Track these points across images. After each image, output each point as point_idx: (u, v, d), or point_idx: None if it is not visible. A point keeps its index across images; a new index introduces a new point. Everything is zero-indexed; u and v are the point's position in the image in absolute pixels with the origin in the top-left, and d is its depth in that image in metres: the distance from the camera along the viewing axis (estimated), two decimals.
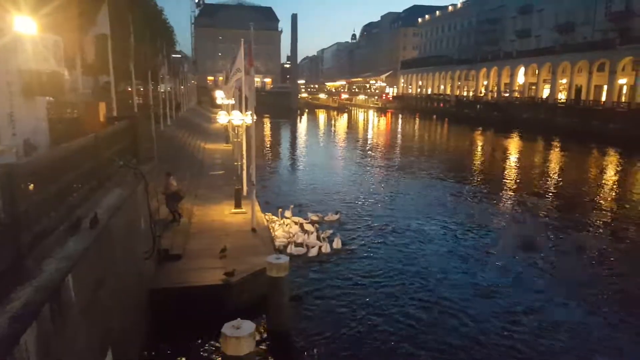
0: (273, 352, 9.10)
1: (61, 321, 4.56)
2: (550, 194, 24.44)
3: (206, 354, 8.78)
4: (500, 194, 24.38)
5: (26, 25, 7.59)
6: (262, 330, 9.58)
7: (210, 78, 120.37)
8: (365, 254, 14.55)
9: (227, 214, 15.59)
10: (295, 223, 16.46)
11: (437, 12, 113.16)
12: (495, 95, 76.02)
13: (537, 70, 67.10)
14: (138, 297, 8.66)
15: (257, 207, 15.07)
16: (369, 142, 48.69)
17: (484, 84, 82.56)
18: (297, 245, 14.45)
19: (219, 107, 46.61)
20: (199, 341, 9.09)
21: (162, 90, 35.47)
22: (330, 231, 15.80)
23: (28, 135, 8.08)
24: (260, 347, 8.92)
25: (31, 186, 4.62)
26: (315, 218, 17.57)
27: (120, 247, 7.35)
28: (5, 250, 3.96)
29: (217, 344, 8.80)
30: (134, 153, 9.78)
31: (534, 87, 68.60)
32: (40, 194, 4.80)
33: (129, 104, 24.81)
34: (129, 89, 34.28)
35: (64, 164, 5.63)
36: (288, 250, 14.01)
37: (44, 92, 8.37)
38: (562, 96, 62.39)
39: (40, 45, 8.04)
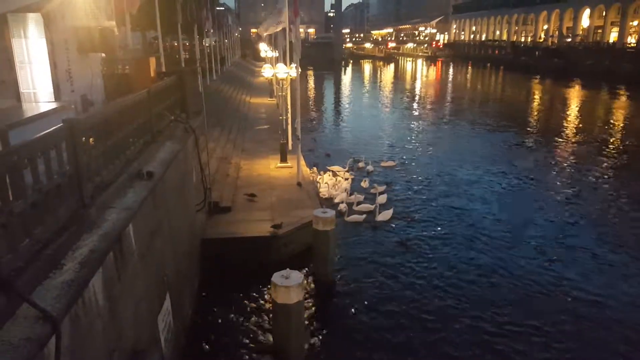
0: (319, 301, 9.43)
1: (123, 267, 4.91)
2: (611, 147, 22.96)
3: (256, 301, 9.23)
4: (559, 146, 23.16)
5: None
6: (309, 281, 9.91)
7: (254, 30, 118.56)
8: (416, 213, 14.24)
9: (272, 168, 15.84)
10: (345, 178, 16.52)
11: None
12: (556, 41, 70.59)
13: (604, 12, 61.45)
14: (191, 246, 9.14)
15: (303, 162, 15.18)
16: (417, 94, 47.22)
17: (543, 28, 76.79)
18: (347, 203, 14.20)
19: (263, 60, 46.39)
20: (249, 289, 9.54)
21: (206, 45, 35.58)
22: (384, 186, 15.76)
23: (85, 91, 8.43)
24: (307, 296, 9.26)
25: (91, 140, 4.86)
26: (370, 168, 18.22)
27: (173, 198, 7.69)
28: (71, 200, 4.23)
29: (266, 292, 9.24)
30: (183, 108, 10.00)
31: (599, 31, 63.23)
32: (99, 147, 5.04)
33: (175, 59, 25.17)
34: (175, 44, 34.64)
35: (120, 119, 5.84)
36: (339, 206, 13.92)
37: (96, 48, 8.62)
38: (632, 40, 57.00)
39: (92, 2, 8.19)
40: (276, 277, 7.29)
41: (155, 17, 15.42)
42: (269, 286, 8.15)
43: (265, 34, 17.93)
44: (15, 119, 6.97)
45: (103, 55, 9.47)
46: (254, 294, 9.43)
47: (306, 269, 10.11)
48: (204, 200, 10.30)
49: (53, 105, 8.11)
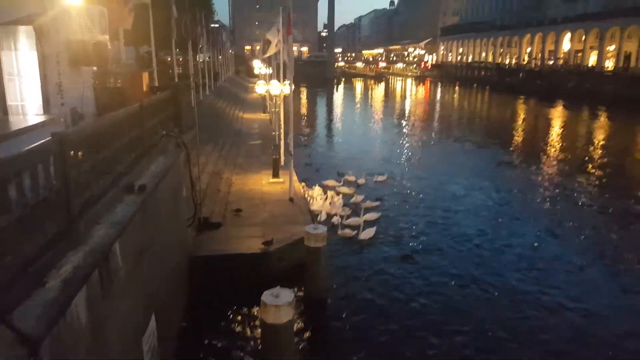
0: (310, 320, 9.25)
1: (108, 285, 4.75)
2: (593, 164, 23.44)
3: (245, 321, 9.02)
4: (543, 163, 23.51)
5: None
6: (300, 299, 9.74)
7: (248, 47, 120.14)
8: (406, 228, 14.33)
9: (265, 183, 15.74)
10: (337, 193, 16.52)
11: None
12: (539, 63, 72.28)
13: (583, 37, 63.47)
14: (180, 264, 8.94)
15: (295, 177, 15.11)
16: (407, 112, 47.76)
17: (527, 51, 78.58)
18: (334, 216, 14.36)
19: (256, 76, 46.58)
20: (239, 308, 9.34)
21: (200, 60, 35.67)
22: (376, 202, 15.84)
23: (75, 104, 8.31)
24: (298, 315, 9.09)
25: (80, 154, 4.75)
26: (362, 181, 18.44)
27: (163, 214, 7.54)
28: (58, 215, 4.10)
29: (256, 312, 9.03)
30: (176, 122, 9.92)
31: (579, 55, 65.00)
32: (89, 161, 4.93)
33: (168, 74, 25.14)
34: (168, 59, 34.69)
35: (111, 133, 5.74)
36: (332, 218, 13.98)
37: (89, 62, 8.54)
38: (609, 64, 58.74)
39: (86, 17, 8.15)
40: (266, 296, 7.12)
41: (150, 32, 15.44)
42: (259, 305, 7.97)
43: (266, 56, 18.14)
44: (1, 132, 6.83)
45: (95, 68, 9.40)
46: (244, 313, 9.22)
47: (297, 286, 9.95)
48: (193, 216, 10.15)
49: (42, 118, 7.97)
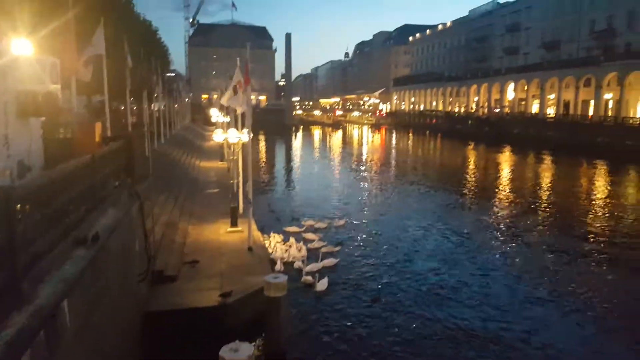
0: None
1: (55, 347, 4.45)
2: (540, 204, 24.80)
3: None
4: (493, 205, 24.59)
5: (23, 47, 7.61)
6: (260, 352, 9.41)
7: (205, 96, 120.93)
8: (364, 269, 14.52)
9: (222, 232, 15.46)
10: (297, 240, 16.44)
11: (428, 31, 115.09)
12: (486, 111, 76.77)
13: (526, 86, 68.20)
14: (132, 321, 8.49)
15: (254, 226, 14.96)
16: (364, 158, 48.97)
17: (474, 100, 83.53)
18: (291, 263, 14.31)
19: (213, 124, 46.65)
20: None
21: (155, 109, 35.53)
22: (337, 248, 15.97)
23: (22, 157, 8.01)
24: None
25: (27, 207, 4.57)
26: (322, 225, 18.64)
27: (115, 268, 7.24)
28: (2, 273, 3.88)
29: None
30: (129, 172, 9.71)
31: (523, 103, 69.59)
32: (36, 215, 4.73)
33: (122, 123, 24.79)
34: (122, 108, 34.36)
35: (60, 185, 5.56)
36: (294, 264, 13.98)
37: (39, 112, 8.33)
38: (551, 111, 63.30)
39: (37, 67, 8.05)
40: (224, 351, 6.88)
41: (103, 82, 15.35)
42: None
43: (225, 104, 18.37)
44: None
45: (43, 119, 9.17)
46: None
47: (257, 338, 9.64)
48: (147, 270, 9.76)
49: None
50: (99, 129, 10.08)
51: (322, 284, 12.85)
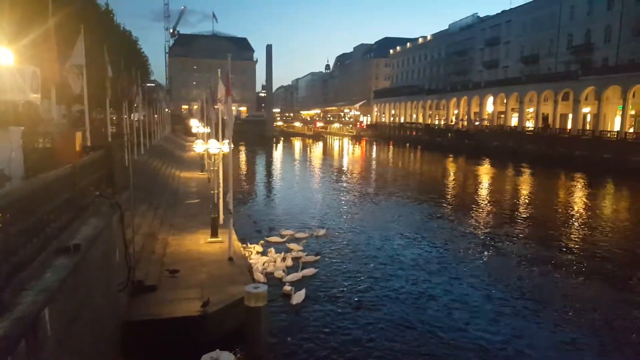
0: None
1: (37, 355, 4.46)
2: (518, 216, 25.30)
3: None
4: (472, 216, 24.98)
5: (4, 56, 7.62)
6: None
7: (185, 106, 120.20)
8: (344, 278, 14.69)
9: (202, 243, 15.42)
10: (278, 251, 16.50)
11: (408, 44, 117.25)
12: (466, 124, 78.21)
13: (505, 100, 69.65)
14: (112, 330, 8.43)
15: (234, 236, 14.98)
16: (344, 170, 49.29)
17: (454, 112, 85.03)
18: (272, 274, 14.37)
19: (194, 135, 46.40)
20: None
21: (135, 119, 35.20)
22: (316, 257, 16.20)
23: (2, 166, 7.95)
24: None
25: (7, 216, 4.59)
26: (302, 235, 18.82)
27: (96, 278, 7.22)
28: None
29: None
30: (109, 182, 9.69)
31: (502, 116, 71.13)
32: (17, 225, 4.75)
33: (102, 133, 24.53)
34: (102, 117, 33.96)
35: (41, 195, 5.59)
36: (275, 273, 14.12)
37: (19, 122, 8.31)
38: (529, 124, 64.76)
39: (17, 76, 8.04)
40: None
41: (83, 91, 15.25)
42: None
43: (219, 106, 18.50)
44: None
45: (22, 128, 9.11)
46: None
47: (238, 347, 9.66)
48: (127, 280, 9.70)
49: None
50: (79, 138, 10.05)
51: (299, 296, 12.71)
